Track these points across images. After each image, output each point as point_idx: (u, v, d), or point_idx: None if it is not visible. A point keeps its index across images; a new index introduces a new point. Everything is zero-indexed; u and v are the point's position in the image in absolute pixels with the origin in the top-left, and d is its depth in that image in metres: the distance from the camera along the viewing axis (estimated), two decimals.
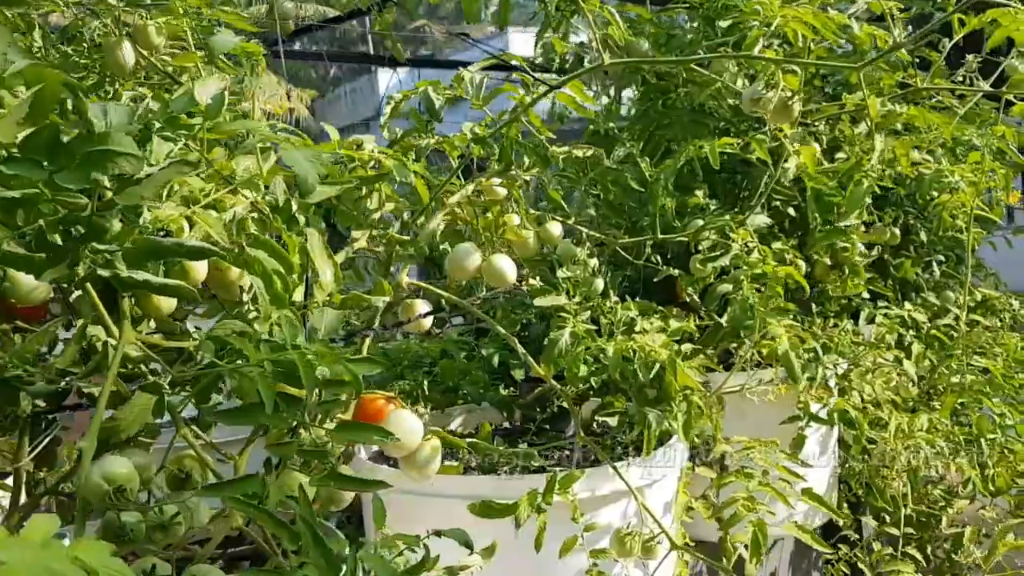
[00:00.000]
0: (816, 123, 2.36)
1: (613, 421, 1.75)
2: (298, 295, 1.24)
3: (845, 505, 2.56)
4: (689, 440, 1.63)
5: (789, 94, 1.57)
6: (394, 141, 1.74)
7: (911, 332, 2.31)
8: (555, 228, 1.92)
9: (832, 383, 2.33)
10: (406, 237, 1.43)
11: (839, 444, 2.56)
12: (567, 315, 1.78)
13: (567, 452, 1.85)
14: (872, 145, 1.82)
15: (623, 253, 2.09)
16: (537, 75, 1.62)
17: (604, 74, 2.38)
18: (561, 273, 1.85)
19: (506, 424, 2.20)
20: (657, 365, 1.59)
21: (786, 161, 1.71)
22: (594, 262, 2.03)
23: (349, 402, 1.43)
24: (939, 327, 2.37)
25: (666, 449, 1.76)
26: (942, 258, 2.81)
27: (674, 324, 1.82)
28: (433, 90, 1.72)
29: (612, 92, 2.43)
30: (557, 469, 1.64)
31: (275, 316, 1.11)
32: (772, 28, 1.49)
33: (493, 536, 1.37)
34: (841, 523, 2.58)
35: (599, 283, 2.00)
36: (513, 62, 2.06)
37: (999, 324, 2.80)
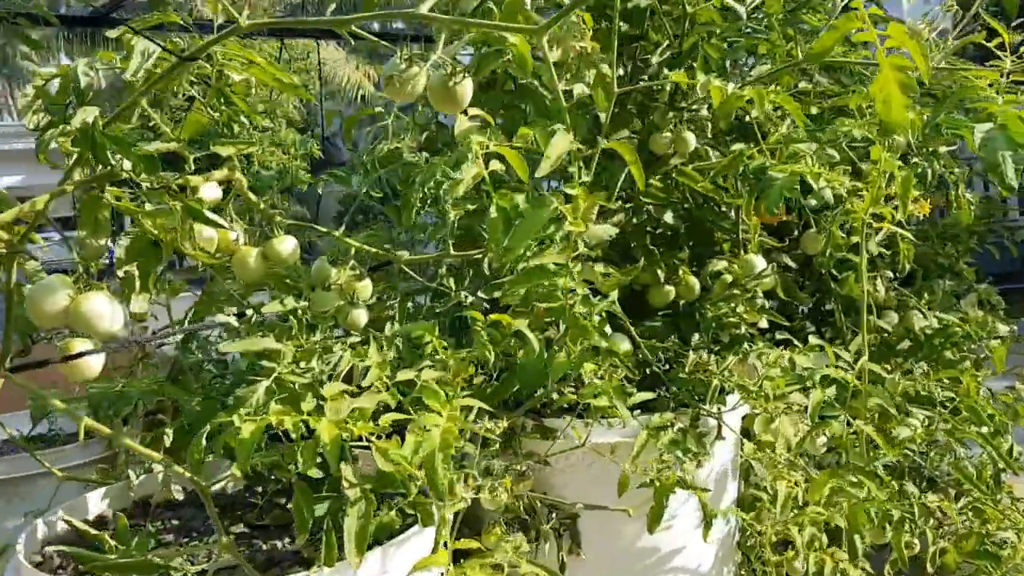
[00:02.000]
0: (695, 107, 1.86)
1: (321, 509, 1.30)
2: None
3: None
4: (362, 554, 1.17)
5: (448, 72, 1.10)
6: (38, 129, 1.32)
7: (810, 377, 1.78)
8: (285, 244, 1.48)
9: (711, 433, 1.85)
10: None
11: (739, 505, 2.07)
12: (274, 364, 1.34)
13: (289, 540, 1.42)
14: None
15: (410, 273, 1.64)
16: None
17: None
18: (273, 307, 1.41)
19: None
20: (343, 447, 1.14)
21: (459, 169, 1.22)
22: (365, 286, 1.59)
23: None
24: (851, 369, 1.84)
25: (396, 545, 1.32)
26: (891, 273, 2.27)
27: (429, 374, 1.36)
28: (86, 67, 1.29)
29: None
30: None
31: None
32: None
33: None
34: None
35: (359, 314, 1.56)
36: None
37: (960, 358, 2.25)
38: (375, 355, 1.38)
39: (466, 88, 1.17)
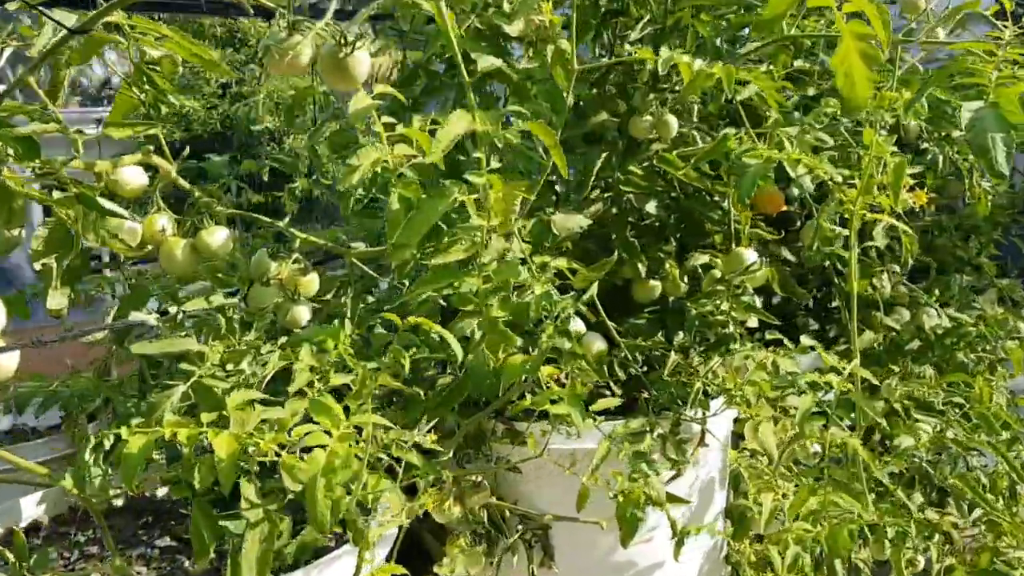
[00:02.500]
0: (679, 88, 1.72)
1: (240, 526, 1.19)
2: None
3: None
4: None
5: (338, 42, 0.97)
6: None
7: (793, 383, 1.63)
8: (215, 236, 1.37)
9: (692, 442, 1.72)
10: None
11: (727, 516, 1.93)
12: (195, 366, 1.24)
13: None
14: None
15: (364, 268, 1.52)
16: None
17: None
18: (196, 304, 1.31)
19: None
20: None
21: (353, 160, 1.07)
22: (309, 280, 1.47)
23: None
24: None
25: (321, 566, 1.21)
26: (896, 268, 2.11)
27: (337, 379, 1.24)
28: None
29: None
30: None
31: None
32: None
33: None
34: None
35: (301, 312, 1.44)
36: None
37: (978, 359, 2.08)
38: (307, 357, 1.27)
39: (360, 60, 1.05)
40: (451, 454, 1.51)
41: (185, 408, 1.23)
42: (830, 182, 1.39)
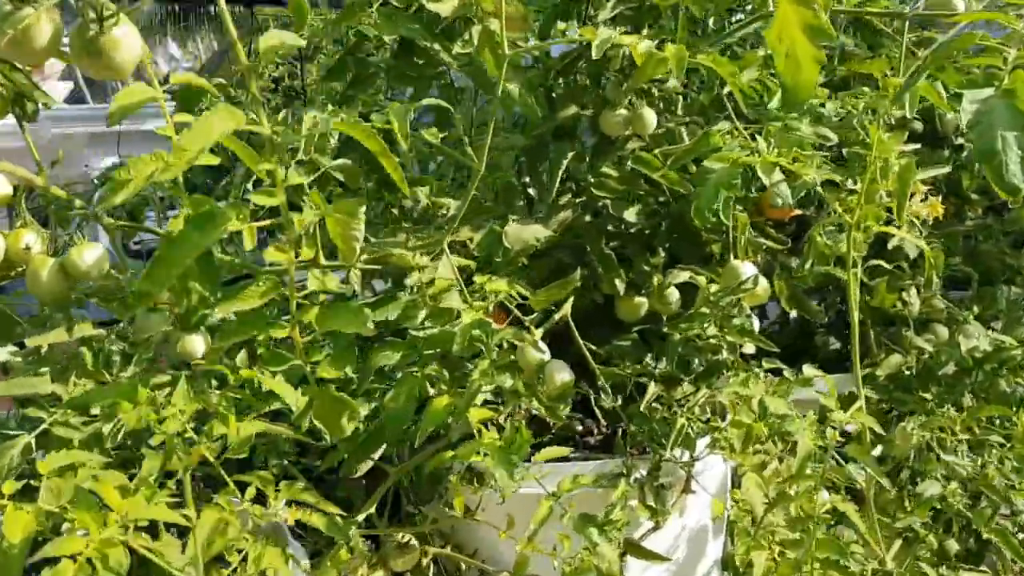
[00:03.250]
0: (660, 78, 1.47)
1: None
2: None
3: None
4: None
5: (89, 16, 0.75)
6: None
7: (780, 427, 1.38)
8: (87, 255, 1.16)
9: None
10: None
11: (724, 567, 1.69)
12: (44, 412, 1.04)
13: None
14: None
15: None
16: None
17: None
18: (51, 336, 1.11)
19: None
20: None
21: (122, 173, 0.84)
22: None
23: None
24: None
25: None
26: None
27: (223, 428, 1.03)
28: None
29: None
30: None
31: None
32: None
33: None
34: None
35: (194, 342, 1.23)
36: None
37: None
38: (182, 400, 1.06)
39: (122, 43, 0.82)
40: (376, 505, 1.30)
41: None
42: (818, 189, 1.14)
